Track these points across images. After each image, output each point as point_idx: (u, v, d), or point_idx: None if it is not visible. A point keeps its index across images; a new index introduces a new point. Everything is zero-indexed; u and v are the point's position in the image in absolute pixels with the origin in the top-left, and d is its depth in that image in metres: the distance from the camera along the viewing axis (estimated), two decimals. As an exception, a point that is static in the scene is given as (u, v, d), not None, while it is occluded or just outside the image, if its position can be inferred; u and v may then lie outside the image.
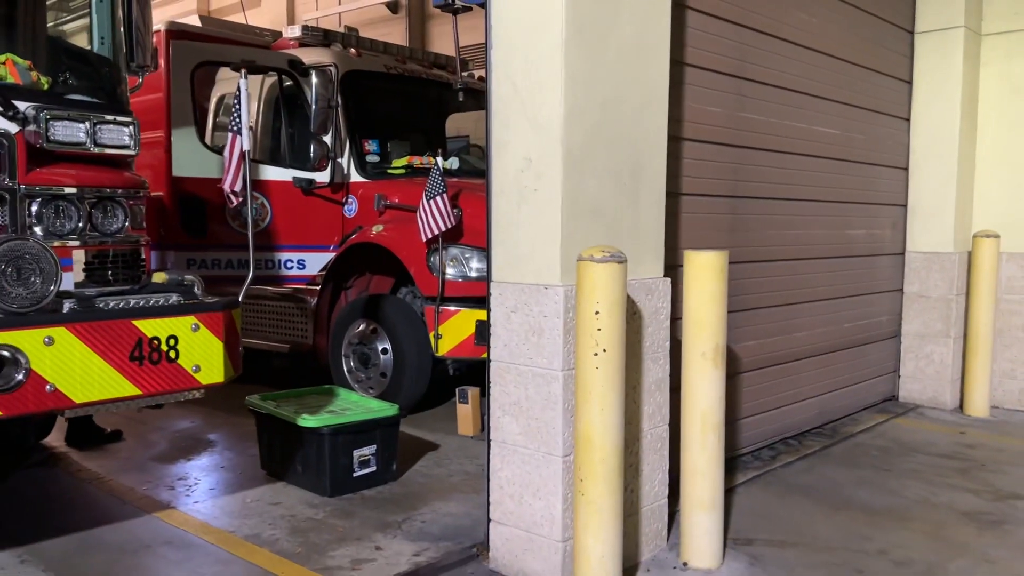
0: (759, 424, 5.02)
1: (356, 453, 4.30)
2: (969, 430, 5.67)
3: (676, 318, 3.65)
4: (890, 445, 5.28)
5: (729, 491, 4.15)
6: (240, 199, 4.17)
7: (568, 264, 3.11)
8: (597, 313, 2.87)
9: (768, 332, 5.01)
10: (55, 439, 5.16)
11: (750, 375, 4.87)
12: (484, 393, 3.81)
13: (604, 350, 2.87)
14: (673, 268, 3.74)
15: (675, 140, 3.95)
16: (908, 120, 6.33)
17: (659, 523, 3.60)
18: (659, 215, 3.54)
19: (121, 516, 3.98)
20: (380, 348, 5.83)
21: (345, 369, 6.09)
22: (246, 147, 4.00)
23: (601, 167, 3.24)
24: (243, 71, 4.11)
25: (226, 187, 4.10)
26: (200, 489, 4.41)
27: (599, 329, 2.87)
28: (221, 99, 6.87)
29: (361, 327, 5.96)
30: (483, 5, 3.53)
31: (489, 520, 3.43)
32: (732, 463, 4.63)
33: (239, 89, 4.00)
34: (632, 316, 3.32)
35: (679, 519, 3.55)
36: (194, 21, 7.61)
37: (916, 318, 6.38)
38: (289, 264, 6.27)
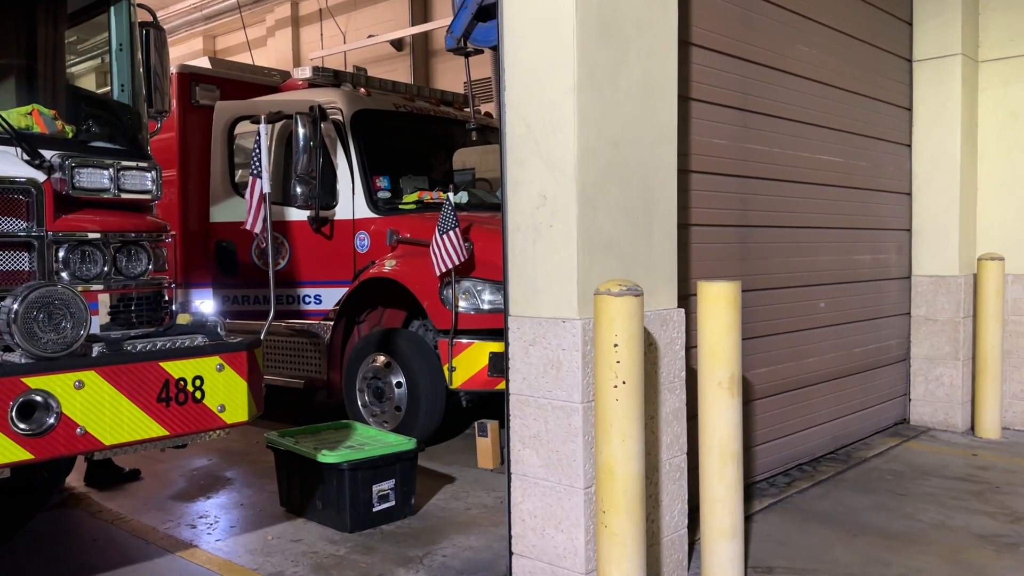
0: (773, 451, 5.05)
1: (375, 488, 4.34)
2: (981, 452, 5.69)
3: (690, 347, 3.71)
4: (904, 469, 5.31)
5: (747, 519, 4.17)
6: (264, 240, 4.28)
7: (585, 298, 3.18)
8: (616, 346, 2.93)
9: (779, 359, 5.06)
10: (74, 479, 5.20)
11: (763, 402, 4.91)
12: (503, 425, 3.86)
13: (624, 382, 2.93)
14: (685, 298, 3.81)
15: (683, 173, 4.03)
16: (910, 146, 6.43)
17: (679, 553, 3.63)
18: (672, 247, 3.61)
19: (145, 556, 4.02)
20: (395, 382, 5.88)
21: (360, 403, 6.14)
22: (266, 190, 4.10)
23: (614, 203, 3.32)
24: (263, 116, 4.21)
25: (248, 227, 4.19)
26: (221, 527, 4.45)
27: (618, 361, 2.93)
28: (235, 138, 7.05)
29: (375, 361, 6.02)
30: (494, 48, 3.63)
31: (511, 553, 3.46)
32: (748, 490, 4.64)
33: (259, 134, 4.11)
34: (648, 347, 3.38)
35: (699, 548, 3.58)
36: (201, 62, 7.77)
37: (924, 341, 6.43)
38: (307, 299, 6.43)
